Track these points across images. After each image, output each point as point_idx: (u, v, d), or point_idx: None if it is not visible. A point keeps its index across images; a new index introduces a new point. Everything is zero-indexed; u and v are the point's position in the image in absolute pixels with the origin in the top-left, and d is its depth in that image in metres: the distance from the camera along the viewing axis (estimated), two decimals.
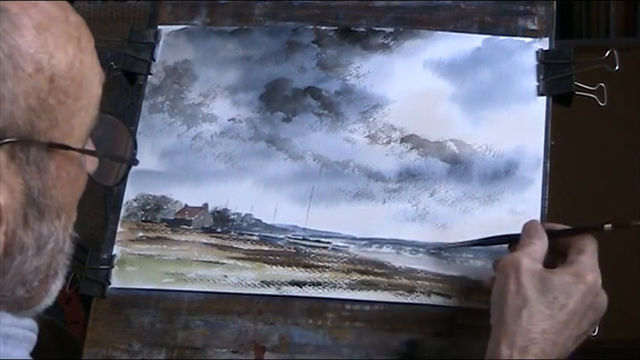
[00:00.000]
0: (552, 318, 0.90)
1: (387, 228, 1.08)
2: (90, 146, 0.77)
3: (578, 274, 0.93)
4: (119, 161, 0.83)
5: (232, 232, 1.11)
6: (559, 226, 1.00)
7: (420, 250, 1.06)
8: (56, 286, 0.79)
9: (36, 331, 0.75)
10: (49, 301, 0.78)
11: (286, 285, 1.07)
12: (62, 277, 0.79)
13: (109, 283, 1.09)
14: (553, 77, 1.11)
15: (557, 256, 0.97)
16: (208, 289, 1.08)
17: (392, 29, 1.18)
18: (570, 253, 0.95)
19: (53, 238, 0.75)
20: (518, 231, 1.03)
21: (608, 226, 0.96)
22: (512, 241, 1.00)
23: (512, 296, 0.92)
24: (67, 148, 0.73)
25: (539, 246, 0.96)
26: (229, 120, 1.16)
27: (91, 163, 0.78)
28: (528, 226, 0.99)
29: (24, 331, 0.73)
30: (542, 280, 0.92)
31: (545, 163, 1.08)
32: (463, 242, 1.05)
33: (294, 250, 1.09)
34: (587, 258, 0.94)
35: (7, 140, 0.69)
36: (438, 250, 1.05)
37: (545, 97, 1.11)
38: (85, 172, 0.78)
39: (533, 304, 0.91)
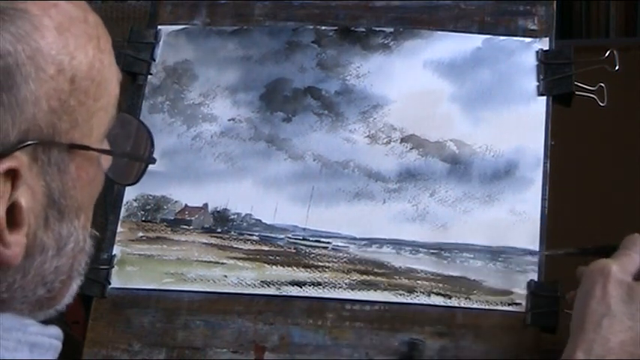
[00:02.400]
0: (632, 330, 0.89)
1: (387, 228, 1.08)
2: (105, 145, 0.77)
3: None
4: (137, 160, 0.83)
5: (232, 232, 1.11)
6: None
7: (420, 250, 1.06)
8: (77, 285, 0.79)
9: (61, 338, 0.74)
10: (69, 299, 0.79)
11: (286, 285, 1.07)
12: (83, 275, 0.79)
13: (109, 283, 1.09)
14: (553, 77, 1.11)
15: None
16: (208, 289, 1.08)
17: (392, 29, 1.18)
18: None
19: (73, 238, 0.75)
20: (518, 231, 1.04)
21: None
22: (610, 252, 0.98)
23: (596, 302, 0.91)
24: (87, 148, 0.73)
25: (633, 259, 0.94)
26: (229, 120, 1.16)
27: (106, 162, 0.78)
28: (628, 239, 0.97)
29: (50, 339, 0.73)
30: (629, 290, 0.91)
31: (545, 163, 1.08)
32: (558, 251, 1.04)
33: (294, 250, 1.09)
34: None
35: (30, 143, 0.69)
36: (551, 253, 1.04)
37: (545, 97, 1.11)
38: (102, 171, 0.78)
39: (616, 314, 0.90)
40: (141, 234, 1.12)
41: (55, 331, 0.74)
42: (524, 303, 1.02)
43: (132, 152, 0.82)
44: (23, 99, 0.68)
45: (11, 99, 0.68)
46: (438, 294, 1.04)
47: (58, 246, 0.74)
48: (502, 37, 1.15)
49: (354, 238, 1.08)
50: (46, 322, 0.76)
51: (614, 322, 0.90)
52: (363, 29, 1.19)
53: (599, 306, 0.91)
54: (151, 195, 1.13)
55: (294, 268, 1.08)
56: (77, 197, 0.74)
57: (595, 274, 0.93)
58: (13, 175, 0.69)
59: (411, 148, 1.12)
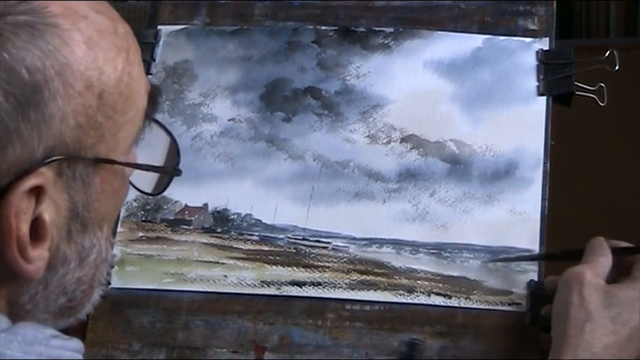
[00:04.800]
0: (616, 333, 0.89)
1: (387, 228, 1.08)
2: (132, 154, 0.77)
3: None
4: (162, 172, 0.82)
5: (232, 232, 1.11)
6: (623, 244, 0.98)
7: (420, 250, 1.06)
8: (98, 294, 0.79)
9: (82, 351, 0.74)
10: (90, 308, 0.79)
11: (286, 285, 1.07)
12: (104, 285, 0.79)
13: (109, 283, 1.09)
14: (553, 77, 1.11)
15: (620, 274, 0.95)
16: (208, 289, 1.08)
17: (392, 29, 1.18)
18: (635, 270, 0.94)
19: (95, 249, 0.75)
20: (518, 231, 1.04)
21: None
22: (575, 256, 0.99)
23: (575, 309, 0.91)
24: (113, 162, 0.73)
25: (603, 262, 0.95)
26: (229, 120, 1.16)
27: (131, 171, 0.78)
28: (593, 243, 0.97)
29: (71, 353, 0.73)
30: (607, 294, 0.91)
31: (545, 163, 1.08)
32: (522, 256, 1.04)
33: (294, 250, 1.09)
34: None
35: (56, 158, 0.69)
36: (493, 262, 1.04)
37: (545, 97, 1.11)
38: (127, 182, 0.77)
39: (597, 319, 0.90)
40: (141, 234, 1.12)
41: (77, 344, 0.74)
42: (524, 303, 1.02)
43: (157, 164, 0.82)
44: (50, 115, 0.68)
45: (38, 115, 0.67)
46: (438, 294, 1.04)
47: (80, 257, 0.74)
48: (502, 37, 1.15)
49: (354, 238, 1.08)
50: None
51: (596, 327, 0.90)
52: (363, 29, 1.19)
53: (580, 312, 0.91)
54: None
55: (294, 268, 1.08)
56: (101, 209, 0.74)
57: (570, 282, 0.93)
58: (37, 191, 0.68)
59: (411, 148, 1.12)
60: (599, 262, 0.95)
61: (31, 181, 0.68)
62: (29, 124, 0.67)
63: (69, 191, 0.71)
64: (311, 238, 1.09)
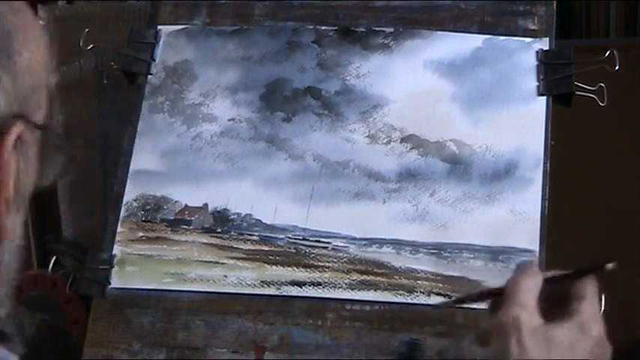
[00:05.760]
0: None
1: (387, 228, 1.08)
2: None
3: (582, 328, 0.87)
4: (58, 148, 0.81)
5: (232, 232, 1.11)
6: (552, 273, 0.90)
7: (420, 250, 1.06)
8: None
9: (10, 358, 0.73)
10: None
11: (286, 285, 1.07)
12: None
13: (109, 283, 1.09)
14: (553, 77, 1.11)
15: (554, 303, 0.89)
16: (208, 289, 1.08)
17: (392, 29, 1.18)
18: (571, 301, 0.88)
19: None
20: (518, 231, 1.04)
21: (610, 265, 0.86)
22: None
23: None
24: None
25: (533, 290, 0.87)
26: (229, 120, 1.16)
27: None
28: (509, 281, 0.88)
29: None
30: (546, 338, 0.87)
31: (545, 163, 1.08)
32: (467, 295, 0.98)
33: (294, 250, 1.09)
34: (589, 306, 0.87)
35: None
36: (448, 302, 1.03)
37: (545, 97, 1.11)
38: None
39: None
40: (141, 234, 1.12)
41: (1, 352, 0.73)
42: None
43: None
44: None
45: None
46: (438, 294, 1.04)
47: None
48: (502, 37, 1.15)
49: (354, 238, 1.08)
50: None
51: None
52: (363, 29, 1.19)
53: None
54: (151, 195, 1.13)
55: (294, 268, 1.08)
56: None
57: (507, 328, 0.86)
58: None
59: (411, 148, 1.12)
60: (530, 291, 0.87)
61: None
62: None
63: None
64: (311, 238, 1.09)
